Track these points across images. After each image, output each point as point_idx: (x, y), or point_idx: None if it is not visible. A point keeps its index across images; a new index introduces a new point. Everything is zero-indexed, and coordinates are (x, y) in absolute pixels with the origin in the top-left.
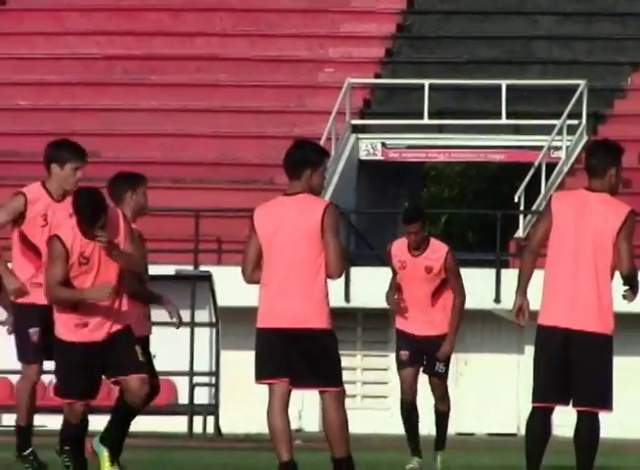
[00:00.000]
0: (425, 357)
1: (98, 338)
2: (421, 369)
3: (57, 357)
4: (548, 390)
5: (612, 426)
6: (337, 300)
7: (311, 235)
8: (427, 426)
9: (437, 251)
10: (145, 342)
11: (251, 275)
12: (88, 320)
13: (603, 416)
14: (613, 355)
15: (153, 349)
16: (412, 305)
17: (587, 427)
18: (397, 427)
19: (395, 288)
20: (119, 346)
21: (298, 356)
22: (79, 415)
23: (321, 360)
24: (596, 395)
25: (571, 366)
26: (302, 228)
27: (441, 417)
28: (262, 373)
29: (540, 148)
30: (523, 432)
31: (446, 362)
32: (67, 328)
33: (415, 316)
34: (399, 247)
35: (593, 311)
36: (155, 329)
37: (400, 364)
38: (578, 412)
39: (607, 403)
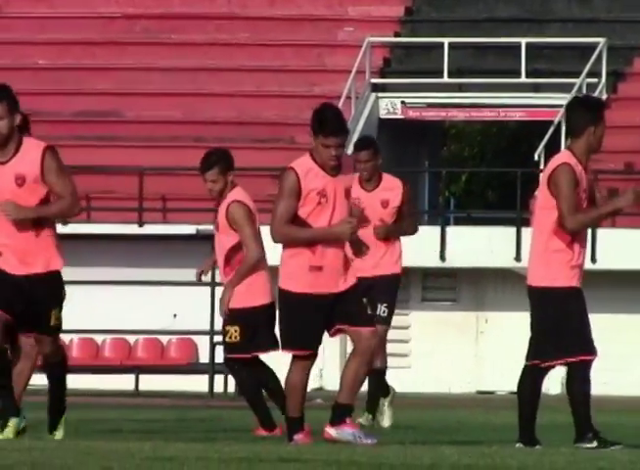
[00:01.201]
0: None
1: (13, 271)
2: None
3: None
4: (529, 349)
5: (632, 385)
6: None
7: None
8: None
9: (392, 183)
10: (269, 310)
11: None
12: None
13: (617, 374)
14: (550, 306)
15: (173, 308)
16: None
17: (570, 379)
18: (419, 385)
19: None
20: (37, 295)
21: None
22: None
23: None
24: (544, 350)
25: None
26: None
27: (377, 376)
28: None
29: (560, 106)
30: (543, 390)
31: (389, 305)
32: None
33: (366, 257)
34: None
35: (536, 266)
36: (175, 289)
37: None
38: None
39: (550, 358)
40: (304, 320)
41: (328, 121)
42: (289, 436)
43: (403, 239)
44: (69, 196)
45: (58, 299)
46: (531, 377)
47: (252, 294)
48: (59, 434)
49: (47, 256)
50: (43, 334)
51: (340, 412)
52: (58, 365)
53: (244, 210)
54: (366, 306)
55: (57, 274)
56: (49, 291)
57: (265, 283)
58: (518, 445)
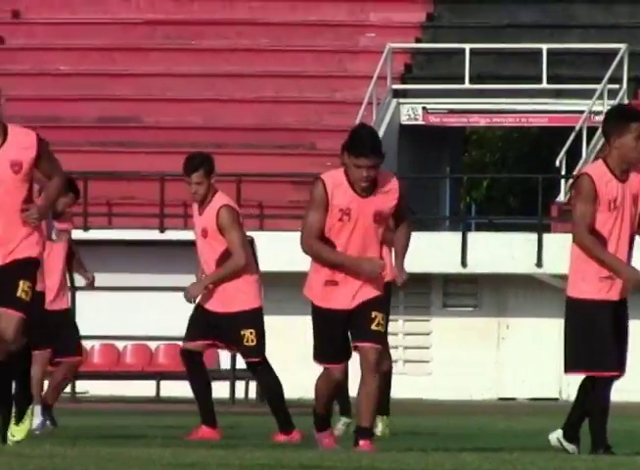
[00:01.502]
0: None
1: None
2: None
3: None
4: None
5: None
6: None
7: None
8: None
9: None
10: (255, 314)
11: None
12: None
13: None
14: (574, 318)
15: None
16: None
17: (590, 393)
18: (439, 392)
19: None
20: (6, 275)
21: None
22: None
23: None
24: (566, 359)
25: None
26: None
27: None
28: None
29: (581, 112)
30: (565, 396)
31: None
32: None
33: None
34: None
35: (569, 274)
36: None
37: None
38: None
39: (568, 368)
40: (323, 334)
41: (360, 142)
42: (315, 428)
43: (423, 245)
44: (59, 174)
45: (29, 275)
46: (592, 383)
47: (258, 295)
48: (23, 428)
49: (26, 243)
50: (7, 307)
51: (355, 435)
52: (20, 356)
53: (233, 215)
54: (372, 321)
55: (35, 260)
56: (22, 268)
57: (259, 286)
58: (558, 430)
